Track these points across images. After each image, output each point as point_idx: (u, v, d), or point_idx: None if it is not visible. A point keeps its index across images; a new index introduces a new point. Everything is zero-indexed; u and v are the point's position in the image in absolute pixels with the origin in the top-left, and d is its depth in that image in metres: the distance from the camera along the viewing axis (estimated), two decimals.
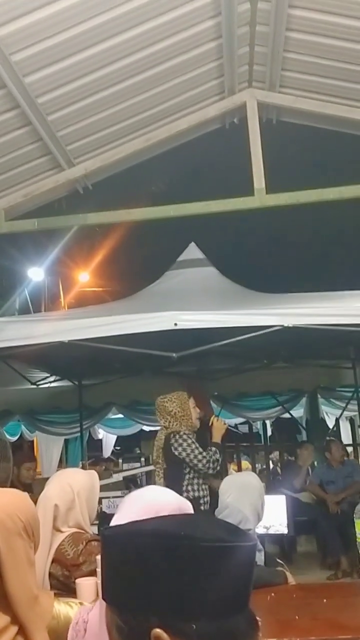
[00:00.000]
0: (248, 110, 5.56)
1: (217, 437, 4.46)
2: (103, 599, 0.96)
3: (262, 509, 2.86)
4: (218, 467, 4.30)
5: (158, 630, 0.85)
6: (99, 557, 2.06)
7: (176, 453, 4.24)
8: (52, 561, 2.48)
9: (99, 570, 1.84)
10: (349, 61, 5.02)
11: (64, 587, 2.45)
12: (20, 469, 5.85)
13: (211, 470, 4.24)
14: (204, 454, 4.24)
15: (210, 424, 4.54)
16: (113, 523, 1.18)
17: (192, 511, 1.27)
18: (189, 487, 4.21)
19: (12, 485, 5.34)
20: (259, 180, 5.36)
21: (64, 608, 1.96)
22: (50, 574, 2.48)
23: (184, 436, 4.27)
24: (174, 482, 4.09)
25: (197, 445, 4.27)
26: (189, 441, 4.26)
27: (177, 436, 4.27)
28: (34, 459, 6.49)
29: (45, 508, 2.52)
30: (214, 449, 4.31)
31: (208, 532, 0.92)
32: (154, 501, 1.23)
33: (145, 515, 1.09)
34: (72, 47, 4.42)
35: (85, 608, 1.59)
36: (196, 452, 4.23)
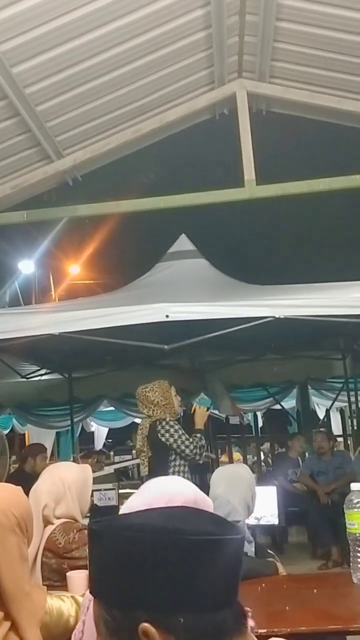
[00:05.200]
0: (238, 101, 5.54)
1: (199, 423, 4.50)
2: (90, 592, 0.96)
3: (252, 501, 2.86)
4: (204, 453, 4.36)
5: (145, 624, 0.85)
6: None
7: (163, 439, 4.27)
8: (44, 550, 2.49)
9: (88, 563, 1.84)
10: (338, 52, 5.01)
11: (57, 576, 2.47)
12: (36, 459, 5.91)
13: (198, 456, 4.28)
14: (191, 439, 4.28)
15: (192, 411, 4.58)
16: (125, 507, 1.18)
17: (210, 505, 1.26)
18: (175, 474, 4.22)
19: (28, 476, 5.40)
20: (249, 171, 5.34)
21: (56, 602, 1.96)
22: (42, 563, 2.49)
23: (170, 422, 4.33)
24: (159, 470, 4.13)
25: (184, 431, 4.33)
26: (176, 427, 4.31)
27: (164, 422, 4.33)
28: (45, 449, 6.58)
29: (36, 501, 2.51)
30: (199, 435, 4.35)
31: (195, 526, 0.91)
32: (167, 490, 1.23)
33: (155, 503, 1.09)
34: (60, 36, 4.38)
35: (91, 595, 1.59)
36: (183, 438, 4.27)
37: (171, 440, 4.27)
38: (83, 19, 4.30)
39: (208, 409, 4.74)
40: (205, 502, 1.25)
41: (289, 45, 5.13)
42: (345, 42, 4.87)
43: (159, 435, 4.29)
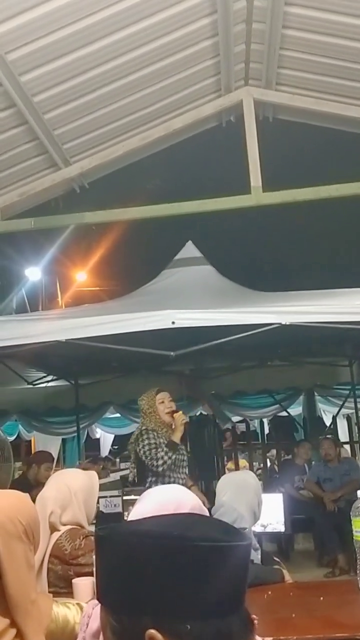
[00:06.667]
0: (244, 108, 5.56)
1: (175, 435, 4.39)
2: (97, 599, 0.96)
3: (258, 508, 2.85)
4: (165, 466, 4.20)
5: (152, 630, 0.85)
6: None
7: (137, 449, 4.32)
8: (50, 557, 2.49)
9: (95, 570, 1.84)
10: (345, 59, 5.03)
11: (63, 583, 2.46)
12: (40, 468, 5.91)
13: (154, 467, 4.20)
14: (152, 450, 4.23)
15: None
16: (131, 516, 1.18)
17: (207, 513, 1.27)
18: (153, 484, 4.18)
19: (30, 484, 5.40)
20: (255, 178, 5.36)
21: (62, 610, 1.96)
22: (48, 570, 2.49)
23: (148, 433, 4.31)
24: (140, 478, 4.16)
25: (152, 442, 4.27)
26: (145, 436, 4.30)
27: (143, 433, 4.34)
28: (52, 459, 6.55)
29: (42, 508, 2.52)
30: (163, 446, 4.26)
31: (202, 532, 0.92)
32: (174, 497, 1.23)
33: (165, 510, 1.09)
34: (67, 45, 4.41)
35: (94, 602, 1.59)
36: (146, 448, 4.26)
37: (141, 452, 4.27)
38: (90, 28, 4.34)
39: (184, 419, 4.51)
40: (205, 512, 1.25)
41: (296, 53, 5.15)
42: (351, 49, 4.89)
43: (137, 446, 4.32)
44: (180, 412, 4.55)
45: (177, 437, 4.39)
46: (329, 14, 4.61)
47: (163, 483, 4.13)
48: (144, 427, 4.39)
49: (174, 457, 4.26)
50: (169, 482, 4.18)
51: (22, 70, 4.45)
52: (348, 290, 4.74)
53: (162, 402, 4.47)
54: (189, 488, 4.46)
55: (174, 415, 4.45)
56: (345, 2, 4.44)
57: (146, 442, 4.28)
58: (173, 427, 4.41)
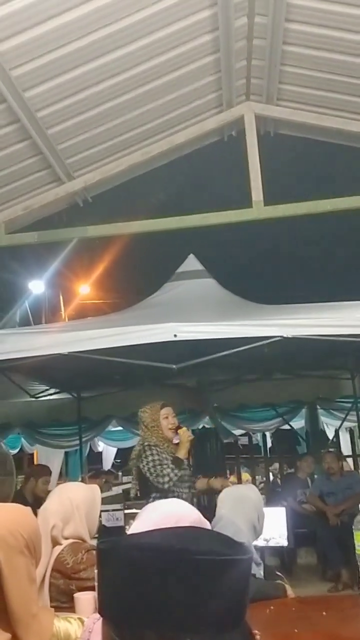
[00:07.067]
0: (246, 123, 5.61)
1: (180, 452, 4.30)
2: (99, 612, 0.96)
3: (259, 522, 2.83)
4: (171, 483, 4.10)
5: None
6: None
7: (140, 466, 4.20)
8: (52, 570, 2.48)
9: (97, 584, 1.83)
10: (345, 74, 5.08)
11: (65, 597, 2.45)
12: (38, 482, 5.87)
13: (160, 485, 4.10)
14: (157, 467, 4.12)
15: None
16: (132, 531, 1.18)
17: (209, 527, 1.27)
18: (157, 501, 4.12)
19: (26, 498, 5.36)
20: (256, 192, 5.39)
21: (63, 624, 1.95)
22: (50, 584, 2.48)
23: (151, 449, 4.22)
24: (144, 494, 4.09)
25: (156, 458, 4.17)
26: (148, 452, 4.19)
27: (147, 448, 4.22)
28: (50, 473, 6.50)
29: (44, 521, 2.51)
30: (168, 463, 4.17)
31: (204, 546, 0.92)
32: (175, 511, 1.23)
33: (165, 524, 1.10)
34: (71, 62, 4.47)
35: (95, 616, 1.58)
36: (150, 464, 4.15)
37: (145, 469, 4.16)
38: (93, 45, 4.39)
39: (190, 436, 4.43)
40: (207, 522, 1.25)
41: (296, 69, 5.20)
42: (351, 64, 4.94)
43: (140, 462, 4.22)
44: (185, 428, 4.48)
45: (182, 454, 4.30)
46: (329, 30, 4.66)
47: (178, 495, 4.09)
48: (146, 443, 4.27)
49: (179, 473, 4.19)
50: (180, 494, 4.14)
51: (27, 86, 4.50)
52: (350, 303, 4.75)
53: (167, 417, 4.37)
54: (215, 479, 4.42)
55: (179, 431, 4.36)
56: (345, 18, 4.50)
57: (150, 458, 4.17)
58: (174, 442, 4.35)
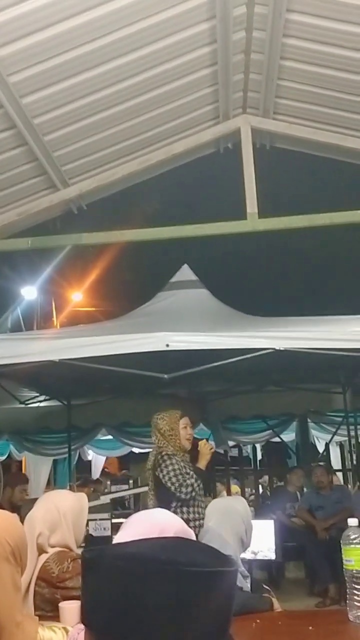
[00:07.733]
0: (242, 136, 5.64)
1: (201, 462, 4.31)
2: (82, 622, 0.95)
3: (246, 535, 2.81)
4: (193, 493, 4.09)
5: None
6: None
7: (160, 476, 4.14)
8: (37, 579, 2.45)
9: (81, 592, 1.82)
10: (341, 90, 5.12)
11: (50, 606, 2.42)
12: (14, 490, 5.79)
13: (182, 495, 4.06)
14: (179, 477, 4.08)
15: (198, 447, 4.40)
16: (117, 540, 1.17)
17: (193, 537, 1.26)
18: (178, 510, 4.10)
19: (2, 507, 5.30)
20: (251, 204, 5.42)
21: (47, 634, 1.92)
22: (35, 592, 2.45)
23: (171, 458, 4.17)
24: (163, 505, 4.01)
25: (176, 467, 4.13)
26: (168, 462, 4.14)
27: (165, 457, 4.17)
28: (27, 480, 6.42)
29: (30, 529, 2.49)
30: (191, 473, 4.15)
31: (189, 557, 0.91)
32: (160, 520, 1.22)
33: (150, 533, 1.09)
34: (69, 69, 4.48)
35: (80, 626, 1.57)
36: (171, 474, 4.09)
37: (160, 475, 4.12)
38: (92, 53, 4.41)
39: (212, 447, 4.48)
40: (191, 534, 1.25)
41: (293, 83, 5.24)
42: (348, 81, 4.98)
43: (157, 471, 4.16)
44: (205, 439, 4.53)
45: (202, 465, 4.30)
46: (326, 47, 4.71)
47: (188, 510, 4.09)
48: (164, 452, 4.19)
49: (201, 484, 4.18)
50: (194, 509, 4.12)
51: (24, 93, 4.51)
52: (342, 317, 4.77)
53: (185, 427, 4.32)
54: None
55: (200, 443, 4.38)
56: (343, 35, 4.54)
57: (170, 467, 4.10)
58: (186, 452, 4.31)
